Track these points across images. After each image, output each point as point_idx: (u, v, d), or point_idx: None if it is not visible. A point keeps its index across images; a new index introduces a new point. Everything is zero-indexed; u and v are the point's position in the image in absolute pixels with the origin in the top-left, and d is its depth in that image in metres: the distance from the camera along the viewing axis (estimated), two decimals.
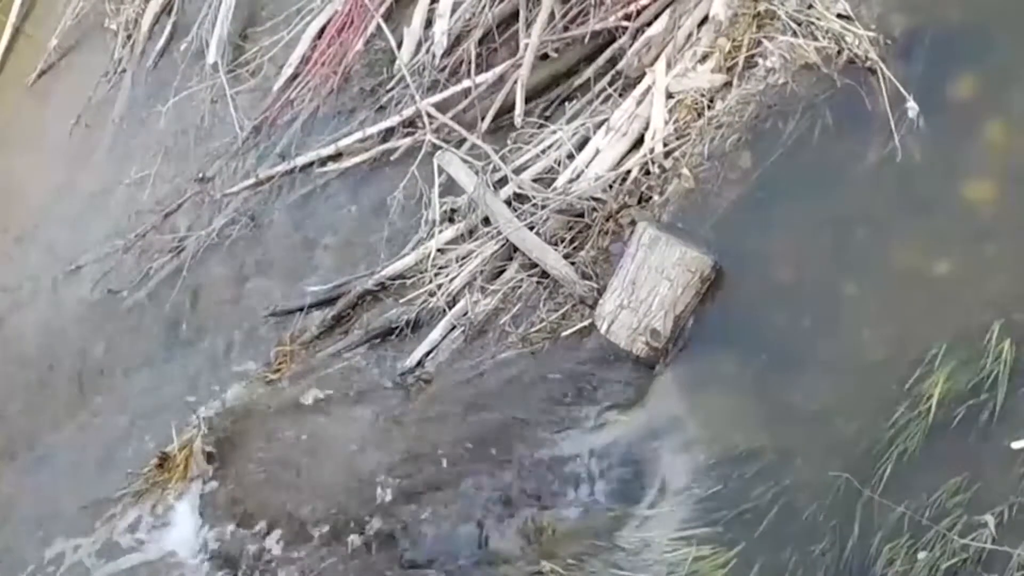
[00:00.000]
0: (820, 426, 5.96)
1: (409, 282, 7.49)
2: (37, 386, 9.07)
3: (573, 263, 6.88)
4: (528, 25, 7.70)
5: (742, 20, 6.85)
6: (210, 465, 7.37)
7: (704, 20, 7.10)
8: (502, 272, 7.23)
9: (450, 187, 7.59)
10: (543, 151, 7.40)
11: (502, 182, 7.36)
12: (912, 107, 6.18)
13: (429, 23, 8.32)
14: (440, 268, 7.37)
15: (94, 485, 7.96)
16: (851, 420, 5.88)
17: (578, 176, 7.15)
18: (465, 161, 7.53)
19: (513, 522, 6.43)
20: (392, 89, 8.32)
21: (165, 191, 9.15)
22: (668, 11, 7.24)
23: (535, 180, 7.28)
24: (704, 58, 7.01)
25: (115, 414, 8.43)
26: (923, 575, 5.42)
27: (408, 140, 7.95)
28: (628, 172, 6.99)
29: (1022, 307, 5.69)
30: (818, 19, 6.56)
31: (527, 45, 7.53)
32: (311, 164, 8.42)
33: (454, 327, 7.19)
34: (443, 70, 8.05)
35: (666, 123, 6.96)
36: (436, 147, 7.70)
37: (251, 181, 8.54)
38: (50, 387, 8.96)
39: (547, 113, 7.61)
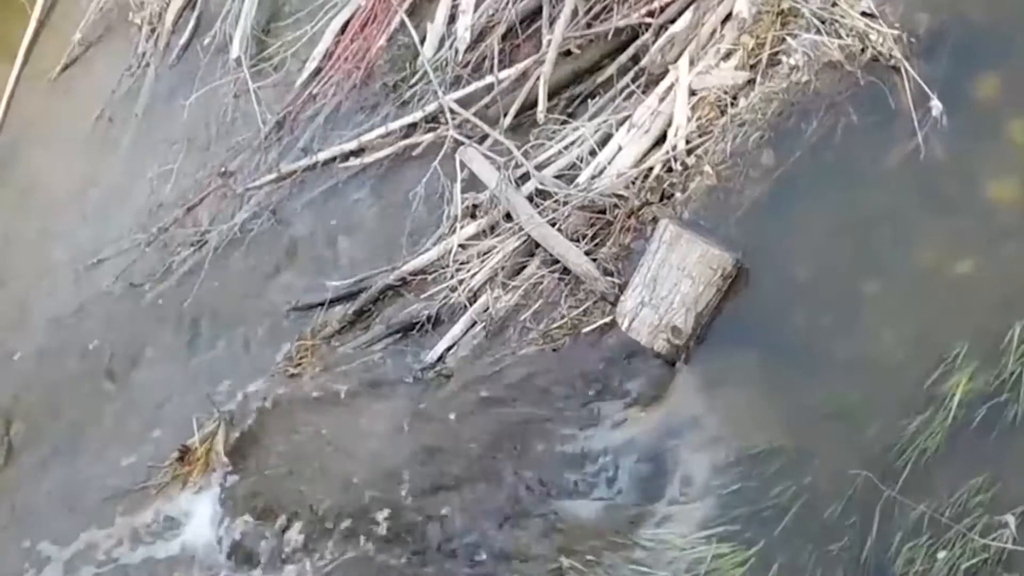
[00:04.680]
0: (840, 425, 5.95)
1: (430, 277, 7.49)
2: (59, 379, 9.09)
3: (594, 260, 6.87)
4: (551, 21, 7.70)
5: (766, 17, 6.84)
6: (231, 458, 7.41)
7: (728, 17, 7.08)
8: (523, 268, 7.23)
9: (472, 183, 7.59)
10: (565, 147, 7.39)
11: (524, 178, 7.35)
12: (936, 105, 6.16)
13: (452, 19, 8.33)
14: (461, 264, 7.38)
15: (115, 478, 7.99)
16: (872, 419, 5.87)
17: (600, 173, 7.14)
18: (487, 157, 7.53)
19: (532, 518, 6.45)
20: (415, 85, 8.32)
21: (187, 185, 9.17)
22: (692, 8, 7.23)
23: (557, 176, 7.27)
24: (727, 55, 7.00)
25: (136, 408, 8.45)
26: (943, 575, 5.43)
27: (430, 136, 7.95)
28: (650, 169, 6.98)
29: None
30: (842, 17, 6.54)
31: (550, 41, 7.53)
32: (333, 159, 8.43)
33: (475, 323, 7.18)
34: (466, 66, 8.06)
35: (689, 120, 6.95)
36: (458, 143, 7.70)
37: (273, 175, 8.56)
38: (72, 381, 8.98)
39: (570, 109, 7.60)
